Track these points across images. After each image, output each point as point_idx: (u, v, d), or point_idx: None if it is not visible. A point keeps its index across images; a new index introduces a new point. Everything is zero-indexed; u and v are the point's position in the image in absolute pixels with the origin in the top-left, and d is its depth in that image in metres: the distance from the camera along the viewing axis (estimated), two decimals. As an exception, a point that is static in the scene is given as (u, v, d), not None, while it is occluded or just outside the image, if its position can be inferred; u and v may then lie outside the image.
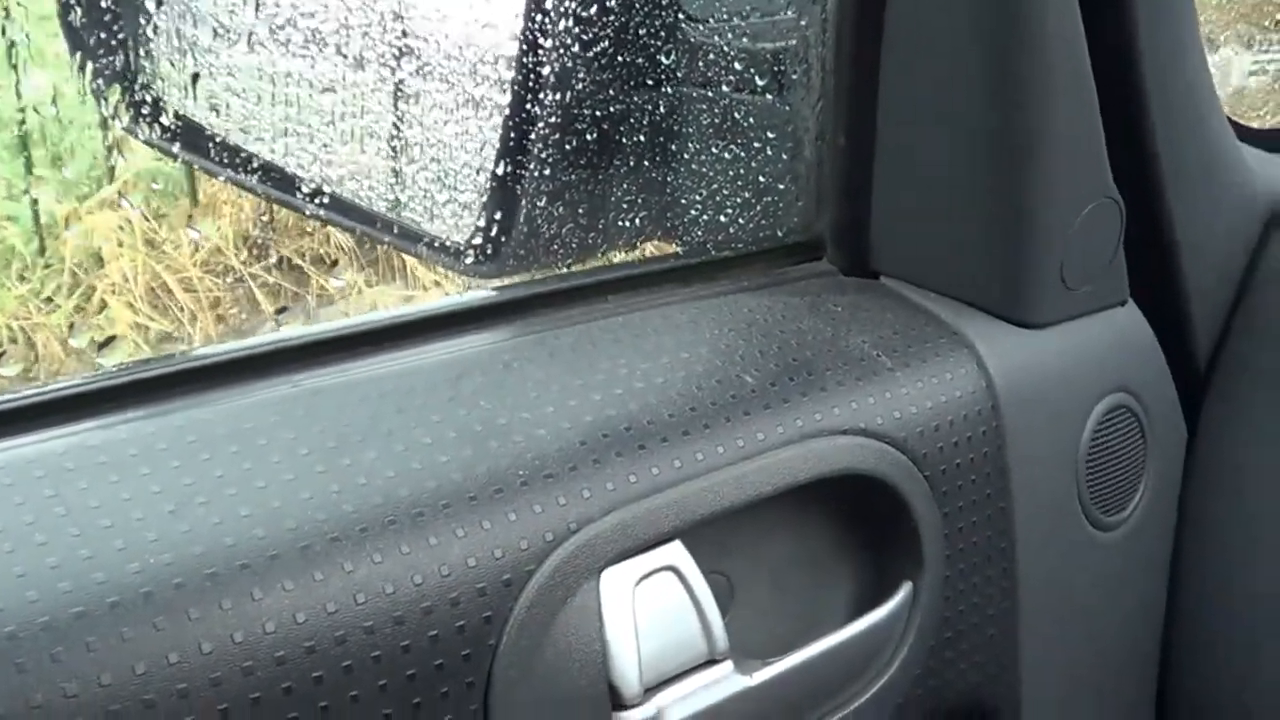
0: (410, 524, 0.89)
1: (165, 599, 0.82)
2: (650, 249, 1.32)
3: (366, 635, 0.86)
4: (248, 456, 0.91)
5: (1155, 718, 1.36)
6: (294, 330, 1.04)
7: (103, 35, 1.40)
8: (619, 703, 0.95)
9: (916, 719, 1.14)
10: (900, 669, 1.09)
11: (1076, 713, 1.27)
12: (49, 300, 3.68)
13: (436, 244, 1.22)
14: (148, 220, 3.77)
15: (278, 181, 1.34)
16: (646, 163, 1.22)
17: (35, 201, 3.84)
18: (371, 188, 1.28)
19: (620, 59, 1.17)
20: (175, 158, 1.37)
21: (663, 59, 1.20)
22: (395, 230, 1.26)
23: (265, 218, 3.87)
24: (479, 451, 0.94)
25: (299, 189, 1.32)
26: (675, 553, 0.98)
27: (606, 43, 1.16)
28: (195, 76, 1.41)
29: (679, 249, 1.27)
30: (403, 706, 0.88)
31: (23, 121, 3.86)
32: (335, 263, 3.97)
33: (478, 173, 1.18)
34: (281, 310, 1.16)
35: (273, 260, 3.86)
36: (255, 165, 1.34)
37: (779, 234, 1.23)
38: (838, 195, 1.21)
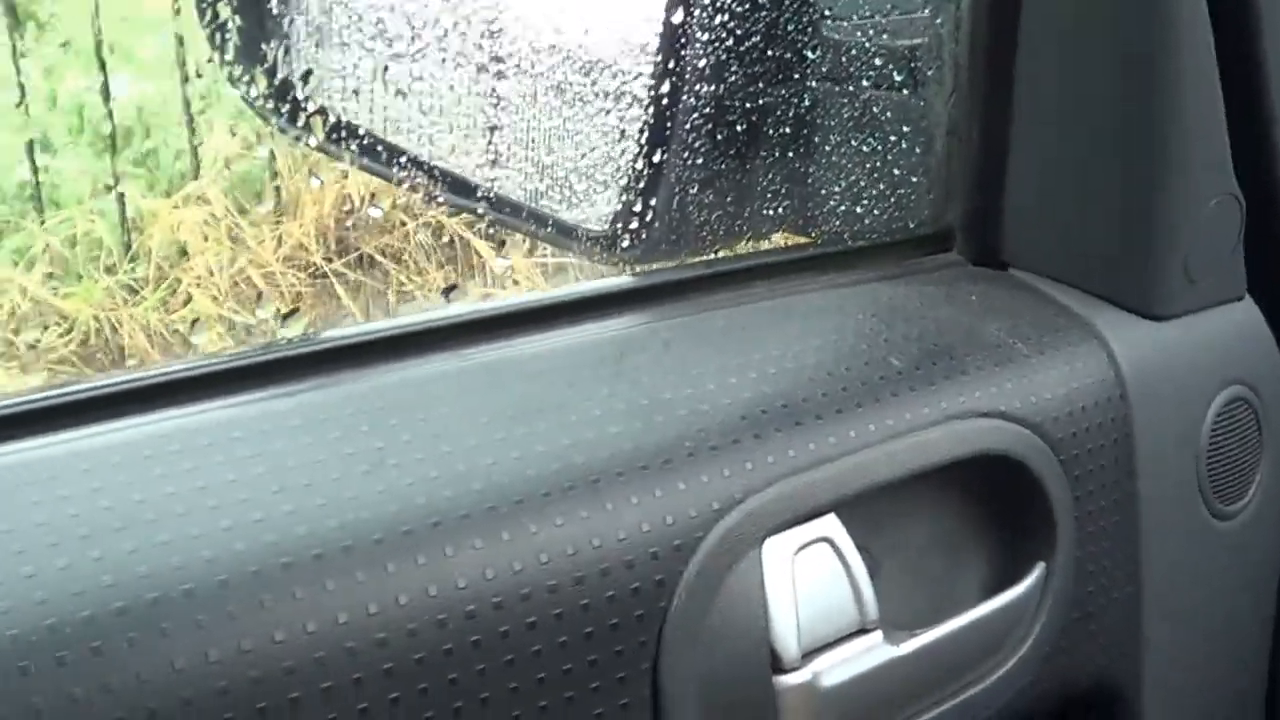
0: (588, 490, 0.94)
1: (366, 553, 0.86)
2: (778, 239, 1.36)
3: (549, 594, 0.90)
4: (433, 423, 0.95)
5: (1266, 706, 1.39)
6: (460, 307, 1.08)
7: (250, 29, 1.44)
8: (778, 666, 0.99)
9: (1043, 697, 1.17)
10: (1032, 647, 1.13)
11: (1193, 697, 1.30)
12: (134, 292, 3.74)
13: (585, 232, 1.26)
14: (232, 215, 3.83)
15: (422, 172, 1.37)
16: (787, 154, 1.26)
17: (122, 196, 3.90)
18: (517, 178, 1.32)
19: (768, 54, 1.22)
20: (319, 150, 1.41)
21: (807, 54, 1.24)
22: (543, 220, 1.30)
23: (347, 215, 3.92)
24: (647, 424, 0.98)
25: (441, 180, 1.36)
26: (830, 525, 1.02)
27: (756, 37, 1.20)
28: (308, 72, 1.45)
29: (813, 238, 1.31)
30: (580, 663, 0.92)
31: (110, 117, 3.92)
32: (399, 258, 4.02)
33: (630, 163, 1.22)
34: (451, 288, 1.20)
35: (353, 256, 3.92)
36: (398, 156, 1.37)
37: (910, 225, 1.27)
38: (969, 188, 1.25)
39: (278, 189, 3.95)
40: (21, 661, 0.80)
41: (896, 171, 1.26)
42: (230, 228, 3.78)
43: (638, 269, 1.25)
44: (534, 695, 0.91)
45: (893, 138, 1.25)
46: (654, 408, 1.00)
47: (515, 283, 3.80)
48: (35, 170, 3.80)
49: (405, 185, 1.35)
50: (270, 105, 1.44)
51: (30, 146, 3.77)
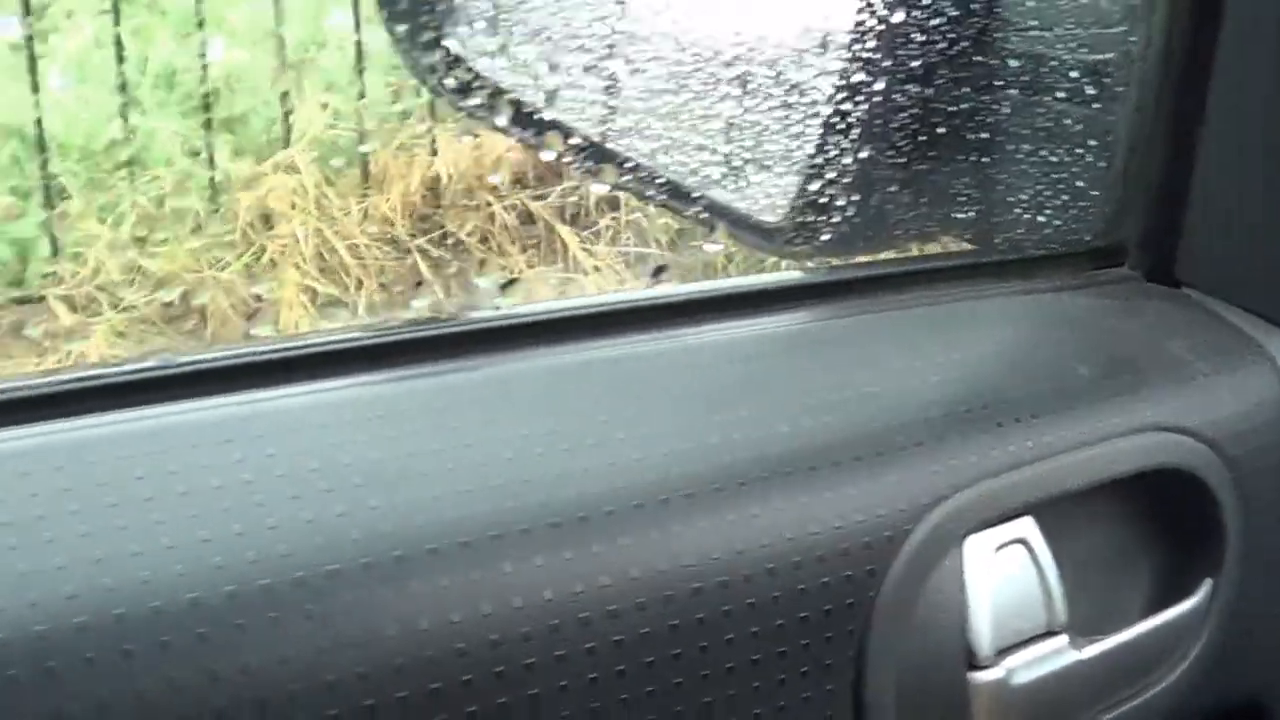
0: (805, 476, 0.95)
1: (600, 525, 0.88)
2: (934, 246, 1.37)
3: (769, 577, 0.92)
4: (631, 404, 0.96)
5: None
6: (661, 289, 1.09)
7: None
8: (974, 663, 1.01)
9: (1199, 711, 1.19)
10: (1195, 661, 1.14)
11: None
12: (219, 255, 3.76)
13: (756, 224, 1.28)
14: (320, 187, 3.85)
15: (595, 154, 1.39)
16: (979, 160, 1.28)
17: (212, 161, 3.93)
18: (694, 167, 1.34)
19: (976, 60, 1.23)
20: (494, 128, 1.42)
21: (1010, 63, 1.25)
22: (716, 210, 1.32)
23: (433, 192, 3.94)
24: (857, 415, 1.00)
25: (616, 163, 1.37)
26: (1027, 527, 1.04)
27: (967, 42, 1.22)
28: (501, 47, 1.46)
29: (987, 244, 1.33)
30: (793, 647, 0.93)
31: (204, 83, 3.94)
32: (484, 239, 4.04)
33: (816, 158, 1.23)
34: (661, 269, 1.22)
35: (438, 234, 3.93)
36: (570, 135, 1.39)
37: (1085, 238, 1.28)
38: (1148, 205, 1.26)
39: (366, 162, 3.97)
40: (201, 628, 0.80)
41: (1078, 184, 1.27)
42: (318, 198, 3.80)
43: (817, 262, 1.27)
44: (748, 676, 0.93)
45: (1078, 150, 1.27)
46: (861, 399, 1.01)
47: (596, 268, 3.82)
48: (127, 129, 3.82)
49: (577, 167, 1.36)
50: (443, 80, 1.45)
51: (124, 106, 3.79)
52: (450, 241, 3.91)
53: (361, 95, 4.01)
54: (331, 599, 0.82)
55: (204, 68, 3.90)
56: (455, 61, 1.48)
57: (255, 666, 0.80)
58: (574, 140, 1.41)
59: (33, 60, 3.72)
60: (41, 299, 3.67)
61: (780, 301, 1.11)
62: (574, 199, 4.01)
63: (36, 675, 0.76)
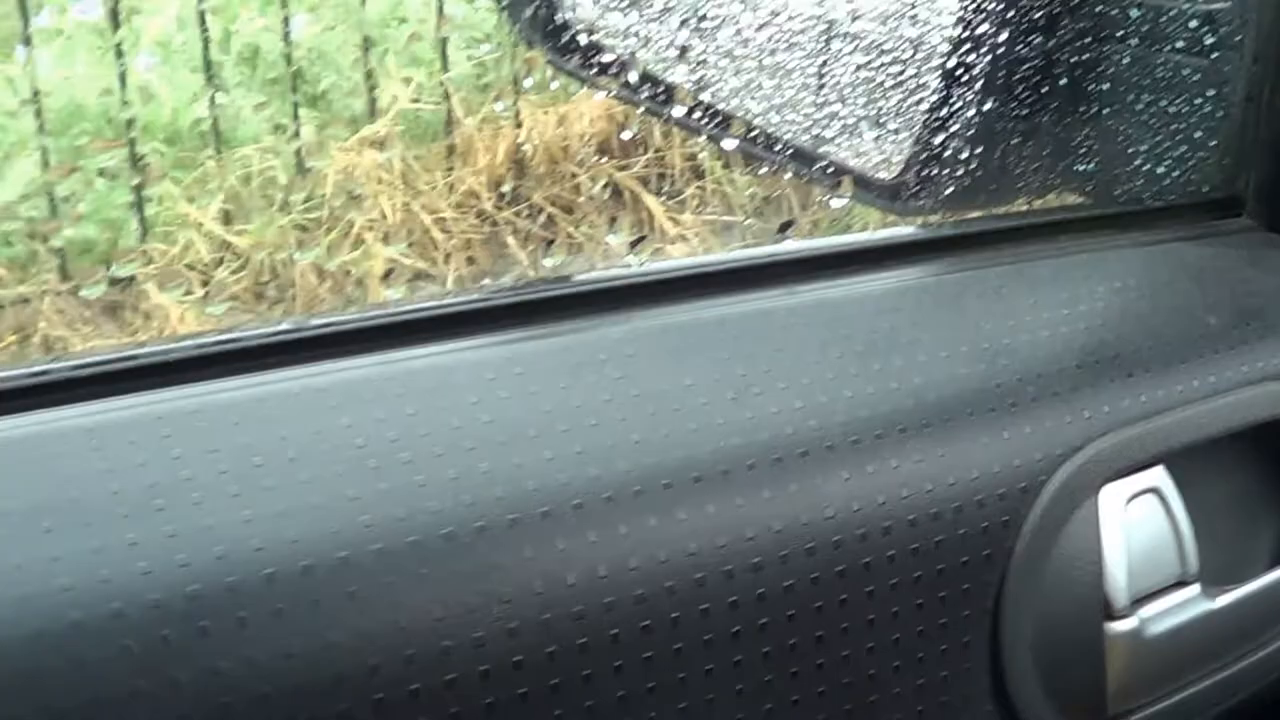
0: (941, 428, 0.95)
1: (741, 478, 0.88)
2: (1049, 199, 1.37)
3: (909, 528, 0.92)
4: (766, 359, 0.97)
5: None
6: (792, 244, 1.10)
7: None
8: (1109, 612, 1.01)
9: None
10: None
11: None
12: (307, 231, 3.78)
13: (877, 182, 1.28)
14: (405, 161, 3.86)
15: (701, 113, 1.39)
16: (1099, 111, 1.27)
17: (297, 138, 3.94)
18: (803, 124, 1.34)
19: (1098, 10, 1.23)
20: (599, 88, 1.43)
21: (1131, 13, 1.25)
22: (827, 167, 1.31)
23: (518, 164, 3.95)
24: (991, 367, 0.99)
25: (721, 121, 1.37)
26: (1159, 476, 1.03)
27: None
28: (618, 10, 1.46)
29: (1095, 197, 1.32)
30: (931, 599, 0.93)
31: (289, 59, 3.96)
32: (569, 210, 4.04)
33: (931, 113, 1.23)
34: (788, 224, 1.22)
35: (523, 205, 3.94)
36: (678, 98, 1.39)
37: (1202, 189, 1.27)
38: (1267, 154, 1.25)
39: (451, 136, 3.98)
40: (351, 586, 0.81)
41: (1196, 135, 1.27)
42: (404, 172, 3.81)
43: (941, 217, 1.26)
44: (887, 629, 0.93)
45: (1196, 101, 1.26)
46: (996, 351, 1.01)
47: (683, 238, 3.82)
48: (213, 107, 3.85)
49: (694, 129, 1.36)
50: (557, 44, 1.45)
51: (210, 84, 3.81)
52: (536, 213, 3.92)
53: (445, 69, 4.01)
54: (480, 555, 0.83)
55: (287, 44, 3.91)
56: (568, 26, 1.48)
57: (406, 624, 0.80)
58: (690, 102, 1.41)
59: (117, 42, 3.74)
60: (131, 279, 3.70)
61: (908, 256, 1.11)
62: (659, 169, 4.01)
63: (190, 635, 0.77)
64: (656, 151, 4.01)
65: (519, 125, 4.02)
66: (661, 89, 1.44)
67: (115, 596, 0.75)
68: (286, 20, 3.95)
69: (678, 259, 1.06)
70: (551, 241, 3.78)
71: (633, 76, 1.41)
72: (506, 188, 3.92)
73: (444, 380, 0.89)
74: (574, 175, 3.95)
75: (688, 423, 0.89)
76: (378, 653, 0.79)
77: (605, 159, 4.00)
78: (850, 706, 0.92)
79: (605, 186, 3.96)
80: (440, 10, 4.07)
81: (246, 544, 0.78)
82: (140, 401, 0.85)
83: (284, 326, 0.93)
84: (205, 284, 3.69)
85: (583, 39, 1.45)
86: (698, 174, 4.01)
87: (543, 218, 3.90)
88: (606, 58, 1.46)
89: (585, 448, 0.86)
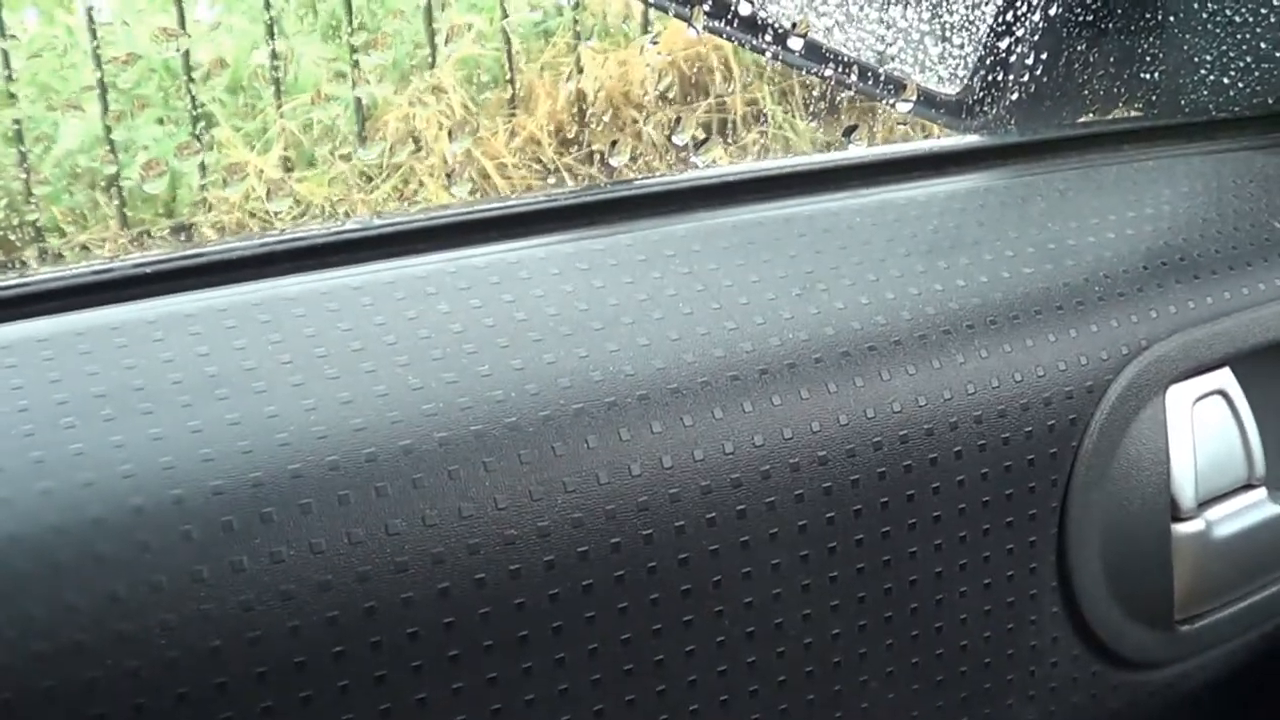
0: (1007, 325, 0.95)
1: (806, 372, 0.88)
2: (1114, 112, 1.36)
3: (975, 424, 0.92)
4: (834, 257, 0.97)
5: None
6: (861, 150, 1.09)
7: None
8: (1176, 514, 1.00)
9: None
10: None
11: None
12: (368, 180, 3.78)
13: (939, 97, 1.27)
14: (466, 107, 3.86)
15: (748, 25, 1.38)
16: (1166, 19, 1.26)
17: (357, 86, 3.95)
18: (862, 38, 1.33)
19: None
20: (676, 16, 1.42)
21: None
22: (884, 81, 1.31)
23: (579, 111, 3.94)
24: (1057, 267, 0.99)
25: (776, 34, 1.37)
26: (1225, 378, 1.03)
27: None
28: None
29: (1161, 107, 1.31)
30: (997, 497, 0.93)
31: (349, 6, 3.96)
32: (632, 157, 4.03)
33: (995, 21, 1.22)
34: (852, 129, 1.21)
35: (584, 153, 3.93)
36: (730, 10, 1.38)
37: (1268, 100, 1.26)
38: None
39: (511, 82, 3.98)
40: (416, 474, 0.81)
41: (1262, 45, 1.26)
42: (465, 118, 3.81)
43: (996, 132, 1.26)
44: (954, 526, 0.93)
45: (1262, 10, 1.25)
46: (1062, 252, 1.01)
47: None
48: (273, 55, 3.85)
49: (750, 48, 1.35)
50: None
51: (269, 31, 3.82)
52: (597, 159, 3.91)
53: (505, 15, 4.01)
54: (545, 445, 0.83)
55: (347, -9, 3.92)
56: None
57: (470, 513, 0.80)
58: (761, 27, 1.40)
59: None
60: (192, 226, 3.71)
61: (972, 162, 1.11)
62: (719, 114, 4.00)
63: (252, 521, 0.77)
64: (717, 97, 4.00)
65: (579, 71, 4.01)
66: (732, 13, 1.43)
67: (177, 483, 0.76)
68: (345, -34, 3.94)
69: (742, 163, 1.05)
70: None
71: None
72: (566, 134, 3.91)
73: (509, 275, 0.89)
74: (635, 121, 3.94)
75: (754, 317, 0.89)
76: (441, 541, 0.79)
77: (667, 104, 3.99)
78: (916, 605, 0.92)
79: (667, 134, 3.94)
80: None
81: (310, 431, 0.78)
82: (203, 296, 0.85)
83: (349, 225, 0.93)
84: (266, 231, 3.69)
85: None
86: (758, 119, 4.00)
87: (604, 165, 3.89)
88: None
89: (651, 340, 0.86)
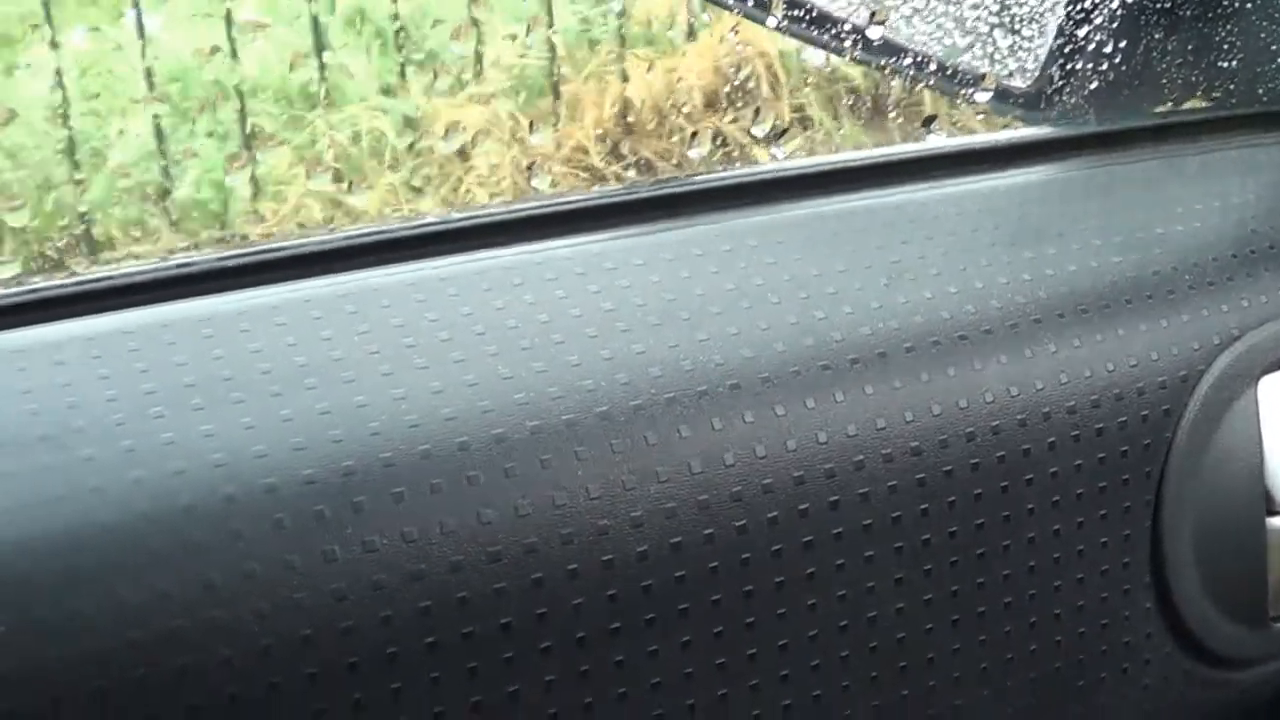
0: (1099, 314, 0.93)
1: (900, 362, 0.87)
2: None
3: (1068, 415, 0.91)
4: (920, 246, 0.95)
5: None
6: (945, 141, 1.08)
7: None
8: (1270, 508, 0.99)
9: None
10: None
11: None
12: (417, 190, 3.78)
13: (1009, 90, 1.26)
14: (513, 117, 3.86)
15: (814, 21, 1.37)
16: (1228, 6, 1.25)
17: (405, 96, 3.95)
18: (927, 30, 1.32)
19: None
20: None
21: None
22: (950, 74, 1.30)
23: (625, 119, 3.94)
24: (1145, 256, 0.98)
25: (840, 29, 1.36)
26: None
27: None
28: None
29: (1238, 96, 1.30)
30: (1090, 489, 0.92)
31: (396, 16, 3.97)
32: (679, 164, 4.02)
33: (1070, 9, 1.21)
34: (931, 119, 1.20)
35: (631, 160, 3.93)
36: (790, 5, 1.37)
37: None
38: None
39: (557, 91, 3.98)
40: (508, 463, 0.80)
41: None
42: (512, 128, 3.81)
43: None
44: (1047, 519, 0.91)
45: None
46: (1149, 241, 0.99)
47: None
48: (321, 68, 3.86)
49: (821, 45, 1.34)
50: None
51: (317, 45, 3.82)
52: (644, 167, 3.91)
53: (550, 25, 4.01)
54: (635, 434, 0.82)
55: (394, 3, 3.92)
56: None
57: (563, 503, 0.80)
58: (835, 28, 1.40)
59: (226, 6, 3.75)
60: (245, 237, 3.72)
61: (1053, 152, 1.10)
62: (766, 121, 3.99)
63: (344, 510, 0.77)
64: (764, 101, 3.99)
65: (625, 79, 4.01)
66: (809, 13, 1.42)
67: (269, 471, 0.75)
68: (392, -22, 3.95)
69: (823, 156, 1.05)
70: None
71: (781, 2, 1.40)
72: (613, 142, 3.91)
73: (594, 266, 0.89)
74: (681, 129, 3.93)
75: (843, 306, 0.88)
76: (534, 531, 0.78)
77: (713, 112, 3.98)
78: (1010, 599, 0.90)
79: (714, 139, 3.94)
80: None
81: (400, 420, 0.78)
82: (289, 289, 0.85)
83: (431, 219, 0.93)
84: (316, 243, 3.69)
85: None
86: (805, 124, 3.99)
87: (649, 171, 3.89)
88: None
89: (740, 330, 0.86)
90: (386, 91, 4.06)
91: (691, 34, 4.22)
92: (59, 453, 0.76)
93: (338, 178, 3.79)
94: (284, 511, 0.75)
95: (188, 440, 0.76)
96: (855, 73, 4.09)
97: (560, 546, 0.79)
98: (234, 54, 3.83)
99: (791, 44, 4.03)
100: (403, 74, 3.95)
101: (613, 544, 0.80)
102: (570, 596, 0.79)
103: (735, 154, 3.93)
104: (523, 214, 0.95)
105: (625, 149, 3.96)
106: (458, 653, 0.78)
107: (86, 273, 0.88)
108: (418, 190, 3.81)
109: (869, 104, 4.01)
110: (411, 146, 3.89)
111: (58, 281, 0.85)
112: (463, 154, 3.88)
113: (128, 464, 0.75)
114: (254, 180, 3.86)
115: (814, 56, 4.04)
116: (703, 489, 0.82)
